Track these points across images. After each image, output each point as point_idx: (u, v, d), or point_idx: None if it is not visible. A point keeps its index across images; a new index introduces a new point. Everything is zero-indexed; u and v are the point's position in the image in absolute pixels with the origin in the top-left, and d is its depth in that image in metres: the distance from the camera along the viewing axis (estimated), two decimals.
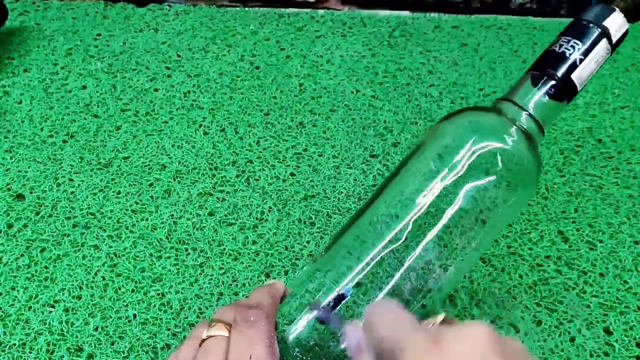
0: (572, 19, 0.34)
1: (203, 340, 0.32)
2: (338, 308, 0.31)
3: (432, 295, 0.32)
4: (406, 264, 0.32)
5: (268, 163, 0.51)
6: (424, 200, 0.32)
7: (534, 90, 0.33)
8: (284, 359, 0.31)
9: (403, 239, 0.32)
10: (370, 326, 0.27)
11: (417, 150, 0.35)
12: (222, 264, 0.43)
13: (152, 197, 0.48)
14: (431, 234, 0.32)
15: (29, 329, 0.39)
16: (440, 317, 0.28)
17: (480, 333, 0.23)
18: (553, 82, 0.33)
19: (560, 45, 0.33)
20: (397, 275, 0.32)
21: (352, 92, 0.58)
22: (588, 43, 0.32)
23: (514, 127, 0.33)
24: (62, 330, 0.39)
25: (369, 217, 0.34)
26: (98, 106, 0.56)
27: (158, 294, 0.41)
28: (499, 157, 0.32)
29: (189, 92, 0.58)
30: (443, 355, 0.23)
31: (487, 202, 0.32)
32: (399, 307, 0.27)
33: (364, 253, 0.32)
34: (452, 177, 0.32)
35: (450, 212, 0.32)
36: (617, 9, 0.33)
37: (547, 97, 0.33)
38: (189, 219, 0.46)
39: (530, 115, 0.33)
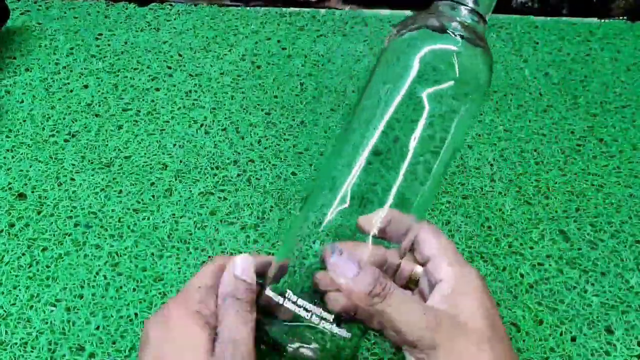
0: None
1: None
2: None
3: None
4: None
5: (269, 162, 0.51)
6: (386, 124, 0.32)
7: None
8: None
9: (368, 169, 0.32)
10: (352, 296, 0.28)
11: (370, 78, 0.34)
12: None
13: (153, 196, 0.48)
14: (408, 155, 0.31)
15: (30, 327, 0.39)
16: (419, 269, 0.30)
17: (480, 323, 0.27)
18: None
19: None
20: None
21: (353, 92, 0.58)
22: None
23: (456, 24, 0.31)
24: (63, 329, 0.39)
25: (336, 162, 0.33)
26: (99, 105, 0.56)
27: (159, 293, 0.41)
28: (453, 59, 0.31)
29: (190, 91, 0.58)
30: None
31: (449, 108, 0.32)
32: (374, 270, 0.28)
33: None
34: (409, 93, 0.32)
35: (419, 127, 0.32)
36: None
37: None
38: (190, 218, 0.46)
39: (469, 8, 0.32)
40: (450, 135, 0.32)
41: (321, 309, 0.29)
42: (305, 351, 0.29)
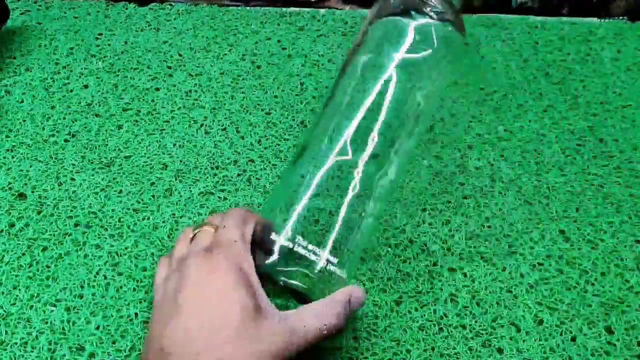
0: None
1: (192, 238, 0.37)
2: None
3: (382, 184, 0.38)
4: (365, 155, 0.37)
5: (269, 162, 0.51)
6: (368, 94, 0.37)
7: None
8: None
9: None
10: None
11: (352, 54, 0.40)
12: None
13: (153, 196, 0.48)
14: (380, 119, 0.37)
15: (30, 327, 0.39)
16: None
17: None
18: None
19: None
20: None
21: None
22: None
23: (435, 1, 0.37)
24: (63, 329, 0.39)
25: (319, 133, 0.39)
26: (100, 105, 0.56)
27: None
28: (431, 31, 0.37)
29: (190, 91, 0.58)
30: None
31: (425, 76, 0.37)
32: None
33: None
34: (389, 64, 0.37)
35: (390, 93, 0.37)
36: None
37: None
38: (190, 218, 0.46)
39: None
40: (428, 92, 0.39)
41: (327, 253, 0.35)
42: (298, 283, 0.34)
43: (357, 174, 0.37)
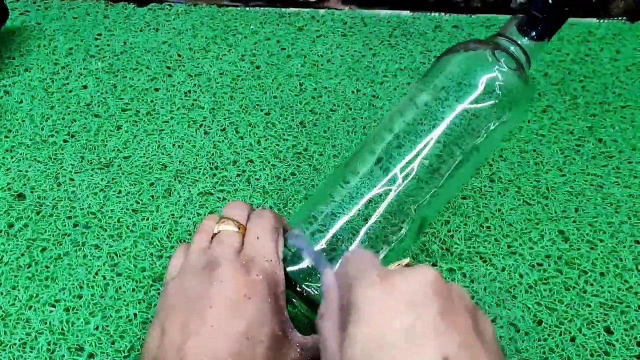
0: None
1: (214, 234, 0.36)
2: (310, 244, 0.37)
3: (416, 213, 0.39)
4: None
5: (269, 162, 0.51)
6: (428, 127, 0.39)
7: (520, 36, 0.40)
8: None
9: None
10: (341, 274, 0.30)
11: (419, 87, 0.41)
12: None
13: (152, 196, 0.48)
14: (427, 151, 0.38)
15: (29, 328, 0.39)
16: (405, 261, 0.30)
17: (427, 275, 0.26)
18: (538, 28, 0.39)
19: None
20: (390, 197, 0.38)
21: (353, 92, 0.58)
22: None
23: (508, 56, 0.39)
24: (62, 329, 0.39)
25: (366, 152, 0.40)
26: (99, 106, 0.56)
27: (158, 294, 0.41)
28: (496, 83, 0.38)
29: (189, 91, 0.58)
30: (387, 290, 0.26)
31: (485, 122, 0.39)
32: (371, 255, 0.30)
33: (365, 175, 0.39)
34: (453, 104, 0.38)
35: (448, 132, 0.38)
36: None
37: (531, 41, 0.40)
38: (189, 219, 0.46)
39: (520, 46, 0.40)
40: (480, 150, 0.40)
41: None
42: (313, 292, 0.35)
43: (392, 199, 0.37)
